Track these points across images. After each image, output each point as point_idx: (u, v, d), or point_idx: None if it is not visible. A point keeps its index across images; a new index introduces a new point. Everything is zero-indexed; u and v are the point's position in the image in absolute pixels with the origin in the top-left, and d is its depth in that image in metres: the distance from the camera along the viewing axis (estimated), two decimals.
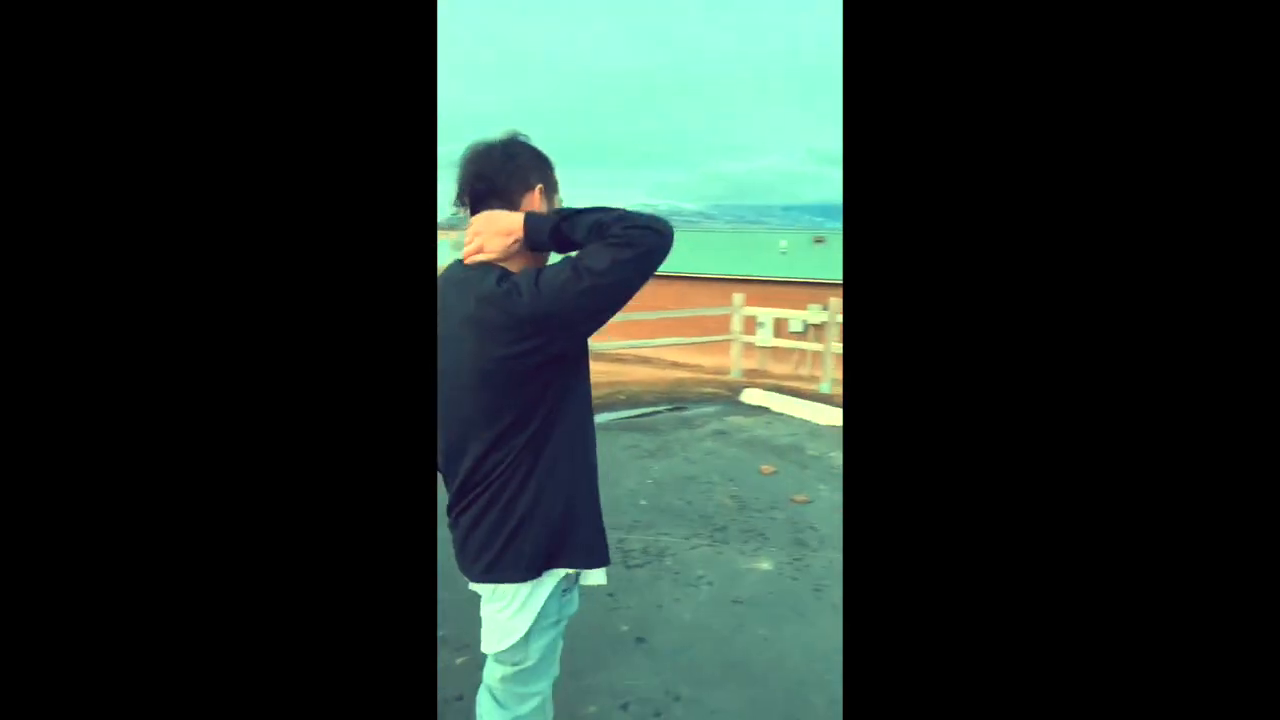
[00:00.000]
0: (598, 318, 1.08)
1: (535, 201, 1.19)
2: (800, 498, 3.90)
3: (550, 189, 1.24)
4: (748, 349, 9.73)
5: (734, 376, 7.39)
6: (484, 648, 1.22)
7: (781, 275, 17.59)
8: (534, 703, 1.26)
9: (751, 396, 6.40)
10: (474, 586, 1.22)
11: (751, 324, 8.62)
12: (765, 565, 3.09)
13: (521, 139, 1.24)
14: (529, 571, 1.16)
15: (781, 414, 5.97)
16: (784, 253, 20.27)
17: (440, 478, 1.17)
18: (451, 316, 1.13)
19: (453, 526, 1.22)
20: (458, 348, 1.11)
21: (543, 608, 1.18)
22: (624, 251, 1.03)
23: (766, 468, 4.41)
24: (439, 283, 1.18)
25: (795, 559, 3.16)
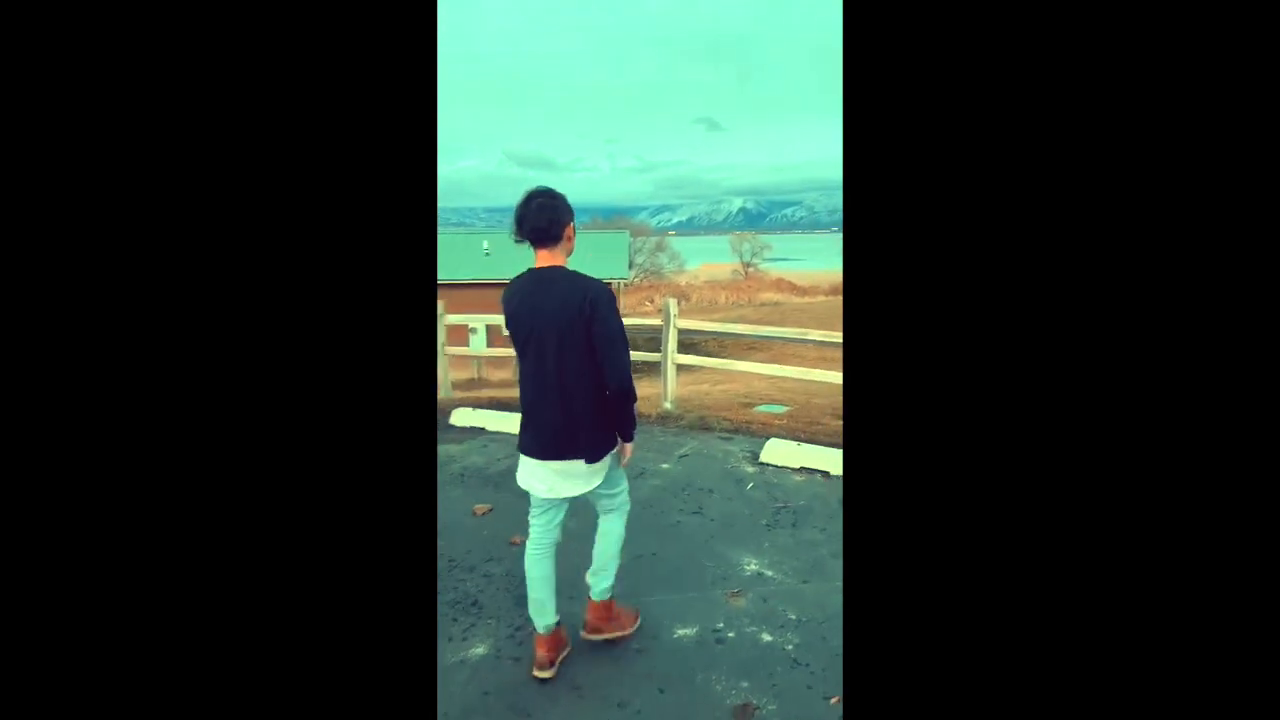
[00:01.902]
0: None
1: (570, 229, 2.17)
2: (519, 539, 3.31)
3: (573, 219, 2.20)
4: (457, 361, 8.86)
5: (442, 396, 6.55)
6: (572, 493, 2.28)
7: (487, 277, 16.83)
8: (624, 493, 2.46)
9: (462, 418, 5.67)
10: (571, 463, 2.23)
11: (463, 333, 7.81)
12: (479, 650, 2.44)
13: (547, 191, 2.16)
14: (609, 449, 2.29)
15: (498, 433, 5.34)
16: (488, 254, 19.61)
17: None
18: (554, 300, 2.10)
19: (551, 429, 2.21)
20: (568, 318, 2.10)
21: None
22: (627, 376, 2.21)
23: (480, 507, 3.75)
24: (529, 276, 2.18)
25: (516, 629, 2.56)
